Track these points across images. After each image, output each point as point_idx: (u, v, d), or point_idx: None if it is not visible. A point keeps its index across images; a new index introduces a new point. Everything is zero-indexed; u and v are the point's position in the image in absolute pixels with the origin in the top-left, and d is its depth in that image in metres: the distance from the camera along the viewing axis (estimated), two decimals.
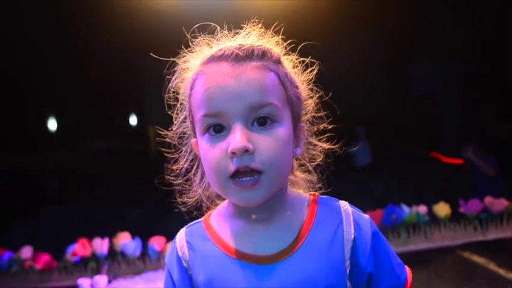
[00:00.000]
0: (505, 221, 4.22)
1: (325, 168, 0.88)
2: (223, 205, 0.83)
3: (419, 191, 5.23)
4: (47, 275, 3.92)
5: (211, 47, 0.77)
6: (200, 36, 0.79)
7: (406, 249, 4.02)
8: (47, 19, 6.49)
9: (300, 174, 0.87)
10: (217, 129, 0.71)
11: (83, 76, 7.87)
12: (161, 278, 0.85)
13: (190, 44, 0.80)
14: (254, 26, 0.79)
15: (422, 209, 4.20)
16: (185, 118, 0.83)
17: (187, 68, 0.79)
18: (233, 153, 0.68)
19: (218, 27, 0.79)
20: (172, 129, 0.86)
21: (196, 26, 0.81)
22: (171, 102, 0.84)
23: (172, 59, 0.82)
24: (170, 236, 0.87)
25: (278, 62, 0.76)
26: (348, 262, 0.75)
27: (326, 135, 0.87)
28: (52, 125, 9.97)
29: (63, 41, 7.07)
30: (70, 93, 8.30)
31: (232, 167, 0.69)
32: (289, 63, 0.80)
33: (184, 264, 0.79)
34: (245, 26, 0.79)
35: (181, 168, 0.87)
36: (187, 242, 0.80)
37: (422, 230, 4.17)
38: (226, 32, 0.79)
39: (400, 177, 5.95)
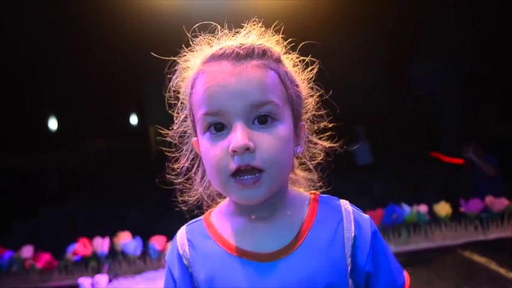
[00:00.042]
0: (505, 221, 4.22)
1: (325, 167, 0.88)
2: (223, 203, 0.84)
3: (419, 191, 5.24)
4: (47, 274, 3.93)
5: (211, 46, 0.77)
6: (200, 35, 0.80)
7: (407, 248, 4.02)
8: (47, 19, 6.50)
9: (300, 173, 0.87)
10: (218, 127, 0.71)
11: (83, 76, 7.87)
12: (162, 277, 0.85)
13: (190, 43, 0.80)
14: (254, 25, 0.79)
15: (423, 208, 4.20)
16: (186, 117, 0.84)
17: (188, 67, 0.79)
18: (234, 151, 0.68)
19: (219, 27, 0.80)
20: (172, 129, 0.86)
21: (197, 25, 0.81)
22: (172, 101, 0.85)
23: (173, 58, 0.82)
24: (171, 236, 0.87)
25: (278, 60, 0.77)
26: (349, 260, 0.75)
27: (326, 134, 0.87)
28: (52, 124, 9.98)
29: (63, 41, 7.07)
30: (70, 93, 8.31)
31: (233, 166, 0.69)
32: (290, 62, 0.80)
33: (185, 261, 0.79)
34: (245, 25, 0.79)
35: (182, 167, 0.87)
36: (188, 240, 0.81)
37: (423, 230, 4.18)
38: (226, 31, 0.79)
39: (400, 177, 5.95)
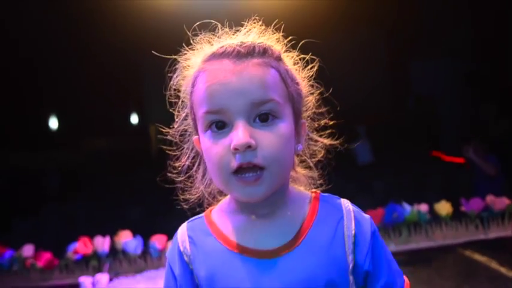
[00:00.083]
0: (506, 220, 4.22)
1: (326, 165, 0.89)
2: (224, 201, 0.84)
3: (420, 190, 5.24)
4: (48, 273, 3.93)
5: (212, 45, 0.77)
6: (201, 34, 0.80)
7: (408, 247, 4.02)
8: (47, 19, 6.50)
9: (301, 171, 0.87)
10: (220, 125, 0.72)
11: (83, 75, 7.87)
12: (162, 276, 0.85)
13: (191, 42, 0.80)
14: (254, 24, 0.80)
15: (424, 207, 4.21)
16: (186, 116, 0.84)
17: (189, 66, 0.80)
18: (236, 149, 0.69)
19: (219, 25, 0.80)
20: (173, 127, 0.87)
21: (197, 24, 0.81)
22: (173, 100, 0.85)
23: (173, 56, 0.82)
24: (171, 235, 0.87)
25: (279, 59, 0.77)
26: (350, 257, 0.75)
27: (327, 131, 0.87)
28: (53, 124, 9.98)
29: (63, 41, 7.08)
30: (70, 92, 8.31)
31: (235, 163, 0.69)
32: (290, 60, 0.81)
33: (186, 258, 0.79)
34: (246, 24, 0.80)
35: (183, 165, 0.87)
36: (189, 237, 0.81)
37: (424, 229, 4.18)
38: (227, 29, 0.79)
39: (401, 177, 5.95)
